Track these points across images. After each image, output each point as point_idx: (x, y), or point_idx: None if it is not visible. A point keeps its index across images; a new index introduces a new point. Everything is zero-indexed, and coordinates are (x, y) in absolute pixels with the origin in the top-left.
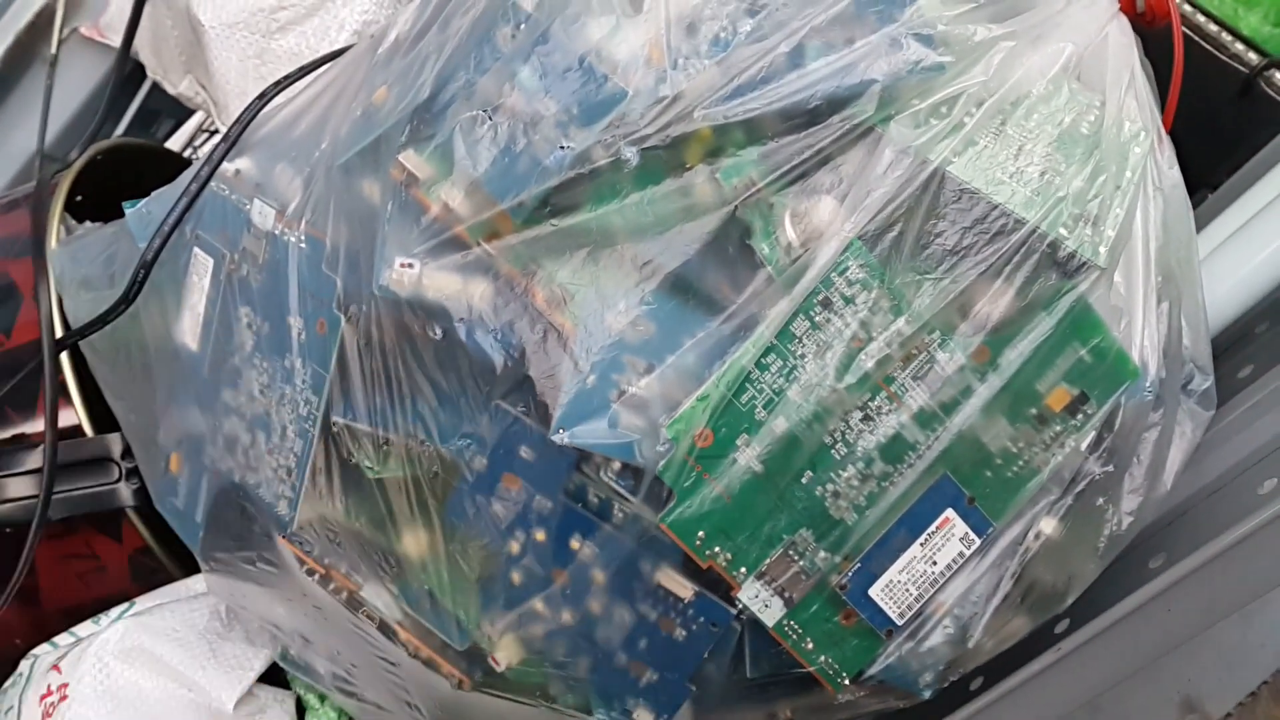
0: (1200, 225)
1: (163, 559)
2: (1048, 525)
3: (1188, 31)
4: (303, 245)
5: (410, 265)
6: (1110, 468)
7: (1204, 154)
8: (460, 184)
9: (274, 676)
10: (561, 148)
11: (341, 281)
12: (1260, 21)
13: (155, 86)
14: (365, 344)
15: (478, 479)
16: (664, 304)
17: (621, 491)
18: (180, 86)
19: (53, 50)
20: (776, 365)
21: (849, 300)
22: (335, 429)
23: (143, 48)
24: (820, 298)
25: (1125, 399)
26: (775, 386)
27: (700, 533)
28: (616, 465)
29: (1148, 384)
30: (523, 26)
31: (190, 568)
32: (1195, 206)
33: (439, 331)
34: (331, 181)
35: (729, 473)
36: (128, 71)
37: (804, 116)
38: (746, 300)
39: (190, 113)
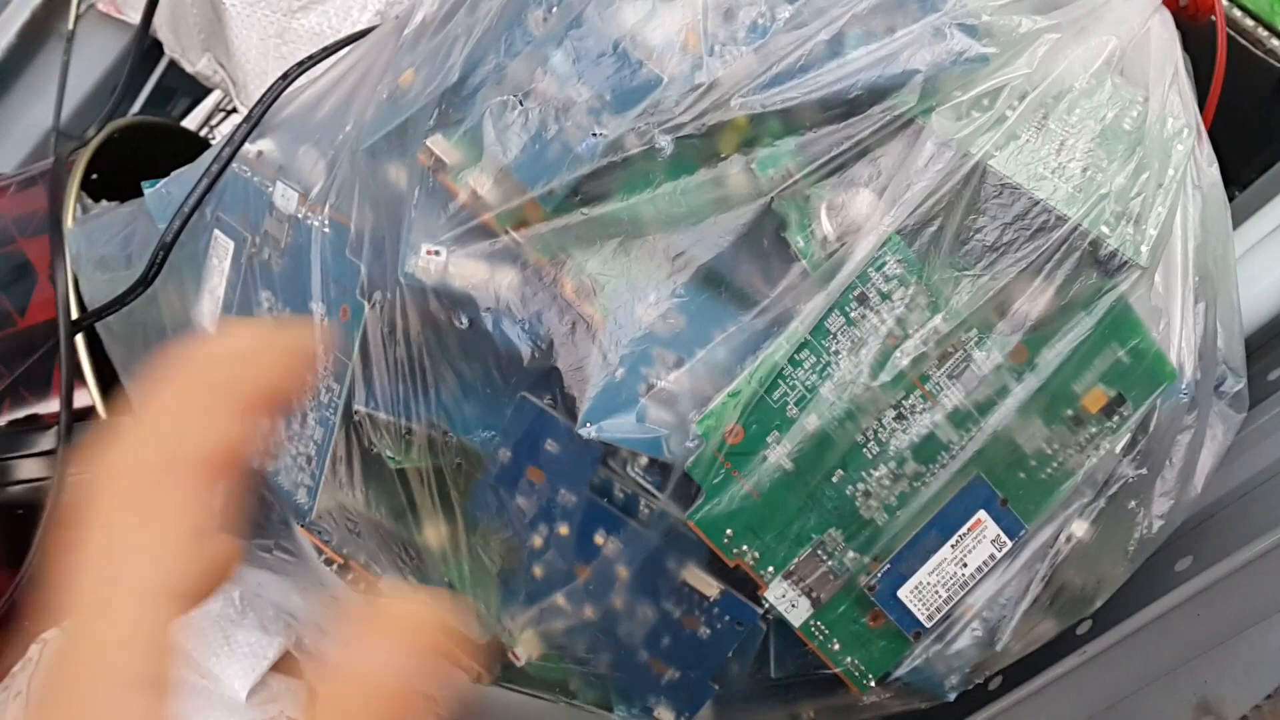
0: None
1: None
2: (1079, 528)
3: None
4: (326, 230)
5: (437, 253)
6: (1143, 470)
7: (1234, 151)
8: (489, 170)
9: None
10: (594, 135)
11: (365, 268)
12: None
13: (171, 64)
14: (389, 332)
15: (501, 471)
16: (696, 297)
17: (648, 487)
18: (198, 65)
19: (69, 26)
20: (810, 361)
21: (886, 296)
22: (356, 417)
23: (161, 25)
24: (856, 293)
25: (1161, 401)
26: (808, 383)
27: (728, 531)
28: (643, 460)
29: (1184, 386)
30: (555, 10)
31: None
32: None
33: (465, 320)
34: (356, 165)
35: (759, 470)
36: (145, 49)
37: (843, 107)
38: (780, 294)
39: (207, 91)
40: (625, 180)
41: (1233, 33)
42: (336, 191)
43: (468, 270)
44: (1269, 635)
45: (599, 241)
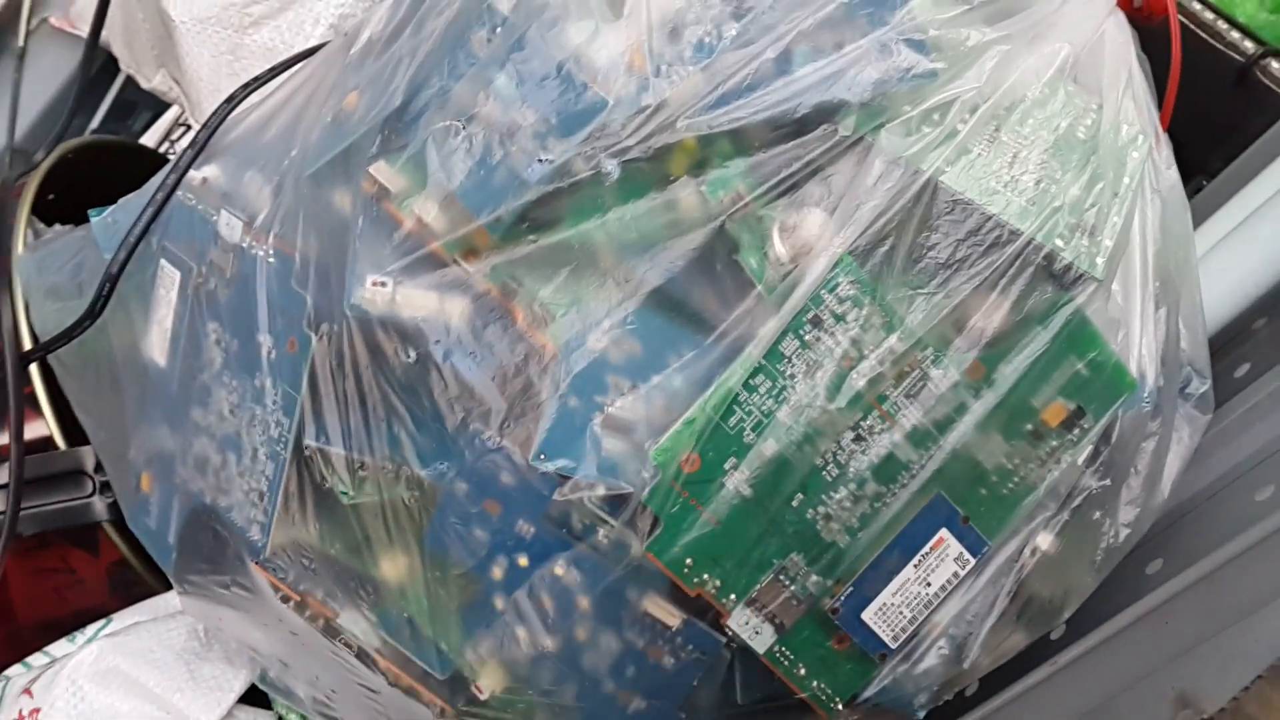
0: (1196, 217)
1: (141, 572)
2: (1044, 541)
3: (1184, 20)
4: (271, 260)
5: (383, 283)
6: (1107, 481)
7: (1199, 143)
8: (434, 197)
9: (254, 696)
10: (540, 160)
11: (312, 299)
12: (1256, 8)
13: (130, 78)
14: (338, 364)
15: (457, 504)
16: (649, 322)
17: (605, 517)
18: (154, 81)
19: (20, 42)
20: (765, 386)
21: (839, 318)
22: (308, 452)
23: (115, 40)
24: (810, 316)
25: (1122, 411)
26: (764, 408)
27: (688, 560)
28: (600, 490)
29: (1146, 394)
30: (499, 30)
31: (170, 581)
32: (1191, 196)
33: (414, 353)
34: (300, 192)
35: (717, 498)
36: (102, 63)
37: (792, 126)
38: (736, 318)
39: (168, 105)
40: (574, 206)
41: (1193, 26)
42: (281, 220)
43: (416, 301)
44: (1243, 636)
45: (550, 269)
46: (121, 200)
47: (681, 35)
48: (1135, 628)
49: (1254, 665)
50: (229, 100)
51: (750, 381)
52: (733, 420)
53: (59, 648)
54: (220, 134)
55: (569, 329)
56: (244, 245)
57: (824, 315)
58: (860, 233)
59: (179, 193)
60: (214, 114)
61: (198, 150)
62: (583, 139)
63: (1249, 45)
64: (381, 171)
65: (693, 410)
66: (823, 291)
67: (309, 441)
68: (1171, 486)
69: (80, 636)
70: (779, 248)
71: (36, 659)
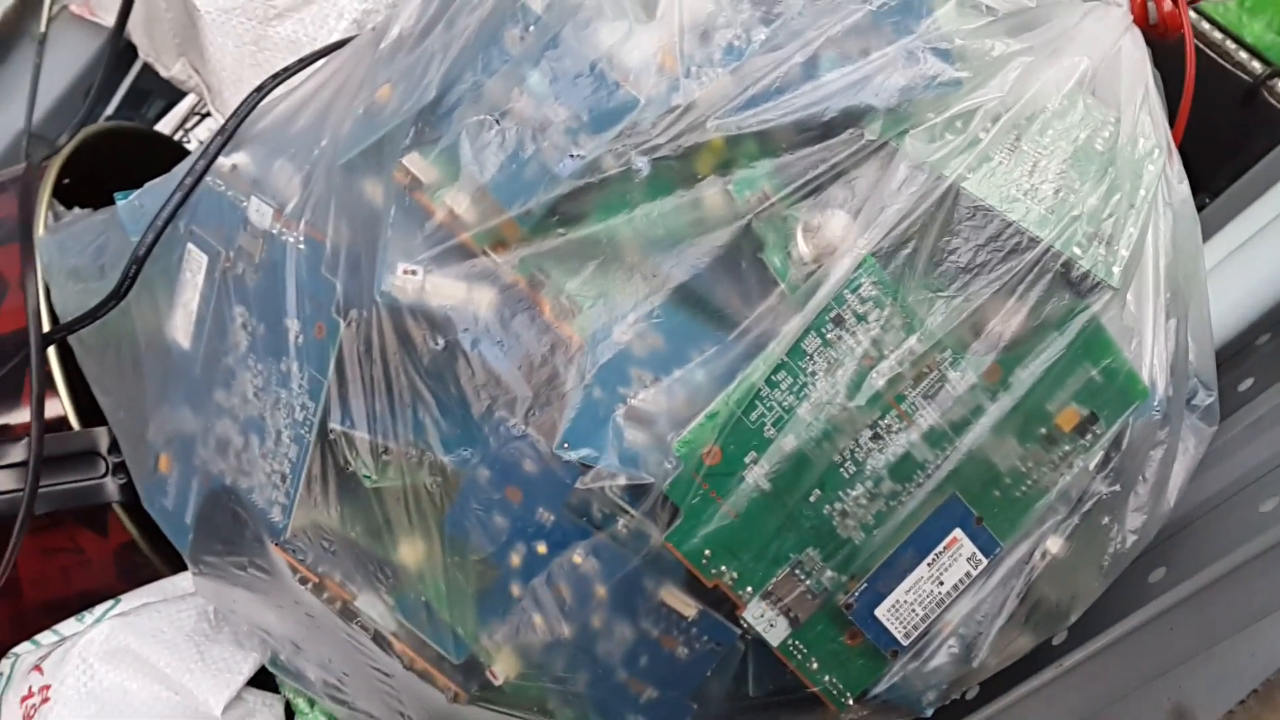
0: (1202, 234)
1: (149, 555)
2: (1054, 544)
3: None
4: (301, 246)
5: (413, 272)
6: (1116, 487)
7: (1205, 161)
8: (466, 189)
9: (262, 680)
10: (571, 156)
11: (341, 285)
12: (1264, 29)
13: (146, 66)
14: (365, 350)
15: (479, 490)
16: (673, 317)
17: (626, 507)
18: (173, 70)
19: (42, 28)
20: (787, 383)
21: (861, 318)
22: (332, 436)
23: (135, 28)
24: (832, 315)
25: (1133, 419)
26: (785, 404)
27: (706, 551)
28: (622, 480)
29: (1156, 403)
30: (532, 29)
31: (177, 564)
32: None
33: (442, 340)
34: (332, 181)
35: (737, 491)
36: (118, 51)
37: (818, 129)
38: (758, 315)
39: (182, 94)
40: (603, 201)
41: (1201, 45)
42: (312, 207)
43: (445, 290)
44: (1241, 646)
45: (578, 262)
46: (148, 184)
47: (712, 38)
48: (1136, 636)
49: (1250, 680)
50: (259, 89)
51: (772, 377)
52: (754, 415)
53: (68, 626)
54: (249, 122)
55: (595, 321)
56: (274, 231)
57: (846, 314)
58: (883, 235)
59: (208, 178)
60: (244, 102)
61: (227, 137)
62: (614, 136)
63: (1257, 65)
64: (415, 163)
65: (715, 404)
66: (845, 291)
67: (334, 425)
68: (1177, 496)
69: (89, 616)
70: (803, 247)
71: (45, 637)
